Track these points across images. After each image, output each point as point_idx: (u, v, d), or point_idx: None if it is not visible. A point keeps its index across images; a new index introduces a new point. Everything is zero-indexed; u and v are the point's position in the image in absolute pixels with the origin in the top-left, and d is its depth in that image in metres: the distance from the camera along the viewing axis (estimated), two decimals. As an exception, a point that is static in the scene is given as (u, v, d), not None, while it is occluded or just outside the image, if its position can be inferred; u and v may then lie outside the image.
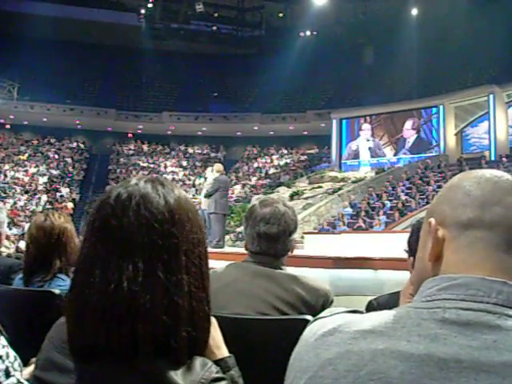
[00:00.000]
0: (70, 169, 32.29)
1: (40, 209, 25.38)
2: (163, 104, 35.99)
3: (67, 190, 29.71)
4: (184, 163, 34.49)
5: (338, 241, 11.60)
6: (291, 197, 20.55)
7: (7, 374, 1.33)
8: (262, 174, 32.01)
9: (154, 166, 33.63)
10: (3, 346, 1.36)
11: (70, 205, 26.37)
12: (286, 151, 34.65)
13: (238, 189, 29.52)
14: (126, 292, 0.97)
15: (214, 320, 1.18)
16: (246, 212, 2.22)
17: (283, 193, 21.54)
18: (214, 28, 37.58)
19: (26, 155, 32.17)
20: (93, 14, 35.53)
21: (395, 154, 27.59)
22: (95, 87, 36.12)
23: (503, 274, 0.78)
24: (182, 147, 36.26)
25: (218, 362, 1.11)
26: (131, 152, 35.19)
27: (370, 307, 2.16)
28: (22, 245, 8.99)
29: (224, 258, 6.26)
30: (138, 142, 35.91)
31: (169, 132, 35.91)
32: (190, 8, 34.68)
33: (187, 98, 35.58)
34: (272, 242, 2.08)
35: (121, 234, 1.01)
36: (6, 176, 29.42)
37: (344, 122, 29.19)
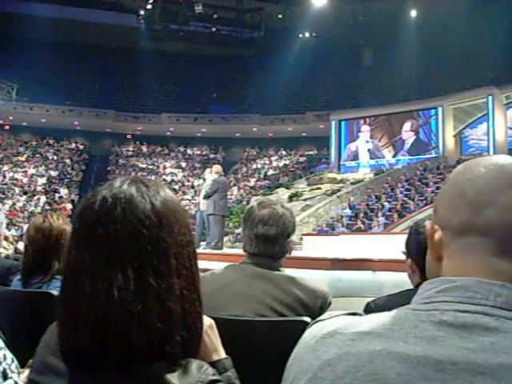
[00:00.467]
0: (69, 170, 32.29)
1: (39, 210, 25.37)
2: (162, 105, 35.99)
3: (66, 191, 29.72)
4: (183, 164, 34.49)
5: (337, 242, 11.63)
6: (290, 198, 20.55)
7: (4, 377, 1.33)
8: (261, 176, 32.00)
9: (153, 168, 33.63)
10: (0, 348, 1.36)
11: (69, 206, 26.41)
12: (284, 152, 34.66)
13: (236, 190, 29.53)
14: (117, 301, 0.95)
15: (212, 321, 1.18)
16: (244, 214, 2.23)
17: (282, 194, 21.53)
18: (214, 29, 37.58)
19: (25, 156, 32.16)
20: (92, 15, 35.52)
21: (394, 156, 27.58)
22: (94, 88, 36.13)
23: (498, 279, 0.77)
24: (181, 148, 36.26)
25: (214, 364, 1.11)
26: (130, 153, 35.19)
27: (369, 309, 2.16)
28: (21, 246, 8.98)
29: (223, 260, 6.26)
30: (137, 143, 35.90)
31: (168, 133, 35.90)
32: (189, 9, 34.69)
33: (186, 99, 35.60)
34: (270, 244, 2.08)
35: (108, 241, 0.98)
36: (4, 177, 29.41)
37: (343, 123, 29.19)
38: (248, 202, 23.82)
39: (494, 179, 0.83)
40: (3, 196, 27.30)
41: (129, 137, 36.07)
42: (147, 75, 36.22)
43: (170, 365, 0.97)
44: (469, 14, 28.49)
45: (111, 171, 32.61)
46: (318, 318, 0.90)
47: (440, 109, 25.78)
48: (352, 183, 22.02)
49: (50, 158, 32.68)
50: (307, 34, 36.02)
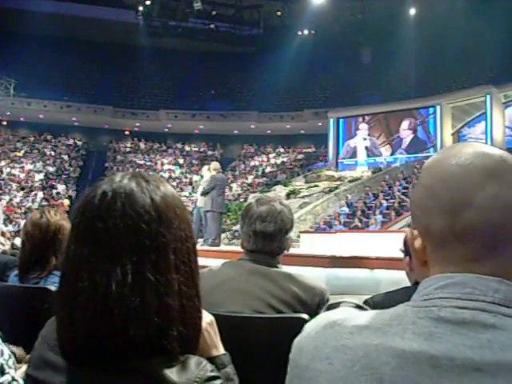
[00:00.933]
0: (67, 166, 32.24)
1: (36, 206, 25.34)
2: (160, 102, 35.94)
3: (63, 186, 29.67)
4: (181, 161, 34.46)
5: (335, 240, 11.63)
6: (288, 195, 20.57)
7: (2, 372, 1.33)
8: (259, 173, 32.01)
9: (151, 164, 33.61)
10: (-3, 343, 1.36)
11: (67, 202, 26.41)
12: (282, 150, 34.66)
13: (234, 187, 29.53)
14: (116, 295, 0.95)
15: (212, 318, 1.18)
16: (242, 210, 2.23)
17: (280, 191, 21.54)
18: (212, 26, 37.50)
19: (23, 152, 32.10)
20: (90, 10, 35.46)
21: (392, 154, 27.60)
22: (92, 84, 36.02)
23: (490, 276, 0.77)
24: (179, 145, 36.22)
25: (213, 360, 1.11)
26: (128, 149, 35.15)
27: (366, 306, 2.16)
28: (18, 241, 8.97)
29: (220, 256, 6.27)
30: (135, 140, 35.86)
31: (166, 130, 35.87)
32: (188, 6, 34.61)
33: (184, 95, 35.55)
34: (268, 241, 2.09)
35: (107, 236, 0.98)
36: (1, 172, 29.35)
37: (341, 121, 29.19)
38: (245, 199, 23.82)
39: (467, 176, 0.79)
40: (0, 192, 27.27)
41: (127, 133, 36.03)
42: (145, 72, 36.16)
43: (168, 360, 0.97)
44: (468, 13, 28.49)
45: (109, 167, 32.56)
46: (332, 302, 0.90)
47: (438, 107, 25.80)
48: (350, 181, 22.04)
49: (48, 153, 32.62)
50: (306, 32, 35.97)
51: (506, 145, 24.06)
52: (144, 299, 0.96)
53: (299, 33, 35.80)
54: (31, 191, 28.03)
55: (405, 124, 27.06)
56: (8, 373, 1.34)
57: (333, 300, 2.15)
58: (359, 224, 16.99)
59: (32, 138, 33.72)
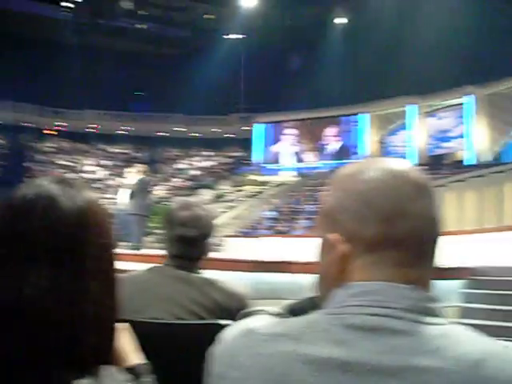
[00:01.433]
0: (-16, 164, 30.91)
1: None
2: (85, 101, 35.02)
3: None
4: (105, 162, 33.72)
5: (258, 244, 11.73)
6: (213, 199, 20.55)
7: None
8: (185, 176, 31.81)
9: (74, 165, 32.71)
10: None
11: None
12: (209, 153, 34.58)
13: (159, 190, 29.19)
14: (29, 299, 0.92)
15: (126, 325, 1.15)
16: (165, 215, 2.21)
17: (205, 195, 21.50)
18: (141, 26, 37.01)
19: None
20: (13, 3, 34.12)
21: (317, 160, 28.10)
22: (12, 80, 34.62)
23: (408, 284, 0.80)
24: (104, 146, 35.44)
25: (131, 370, 1.09)
26: (50, 149, 34.01)
27: (287, 311, 2.18)
28: None
29: (142, 260, 6.18)
30: (58, 140, 34.77)
31: (90, 130, 35.03)
32: (117, 4, 34.02)
33: (110, 95, 34.82)
34: (190, 246, 2.08)
35: (24, 238, 0.95)
36: None
37: (267, 126, 29.50)
38: (169, 202, 23.61)
39: (401, 189, 0.82)
40: None
41: (48, 132, 34.89)
42: (70, 69, 35.12)
43: (80, 371, 0.93)
44: (396, 23, 29.26)
45: (29, 168, 31.41)
46: (246, 310, 0.91)
47: (363, 115, 26.54)
48: (275, 186, 22.27)
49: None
50: (235, 36, 36.08)
51: (428, 152, 25.04)
52: (57, 304, 0.93)
53: (228, 36, 35.87)
54: None
55: (331, 131, 27.64)
56: None
57: (256, 305, 2.17)
58: (283, 228, 17.19)
59: None
